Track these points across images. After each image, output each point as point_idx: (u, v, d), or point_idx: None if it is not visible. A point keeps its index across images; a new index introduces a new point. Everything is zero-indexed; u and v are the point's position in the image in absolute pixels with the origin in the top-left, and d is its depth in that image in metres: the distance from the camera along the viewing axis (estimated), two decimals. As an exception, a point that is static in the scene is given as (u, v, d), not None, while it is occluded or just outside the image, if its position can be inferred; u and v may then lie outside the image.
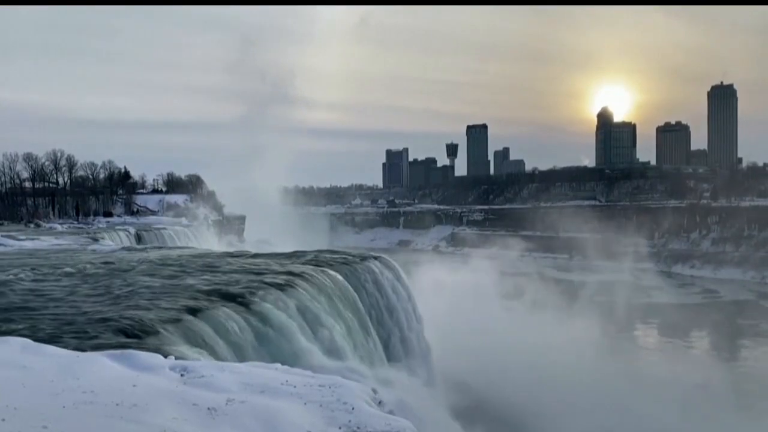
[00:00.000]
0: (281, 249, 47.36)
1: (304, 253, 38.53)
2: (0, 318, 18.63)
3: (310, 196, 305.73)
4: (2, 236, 54.55)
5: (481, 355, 50.80)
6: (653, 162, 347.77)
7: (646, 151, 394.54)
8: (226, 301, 21.97)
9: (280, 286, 25.45)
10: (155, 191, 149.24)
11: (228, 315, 20.38)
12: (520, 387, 46.84)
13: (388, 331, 33.91)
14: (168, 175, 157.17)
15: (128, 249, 49.56)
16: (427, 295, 55.71)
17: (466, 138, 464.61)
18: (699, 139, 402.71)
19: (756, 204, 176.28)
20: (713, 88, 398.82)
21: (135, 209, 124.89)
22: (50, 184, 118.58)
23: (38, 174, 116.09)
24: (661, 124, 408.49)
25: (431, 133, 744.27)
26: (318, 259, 34.52)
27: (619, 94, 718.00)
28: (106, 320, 18.38)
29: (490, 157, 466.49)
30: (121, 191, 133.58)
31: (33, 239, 55.35)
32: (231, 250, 55.25)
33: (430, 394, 32.76)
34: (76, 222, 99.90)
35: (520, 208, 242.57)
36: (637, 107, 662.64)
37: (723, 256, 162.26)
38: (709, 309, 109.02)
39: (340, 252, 39.46)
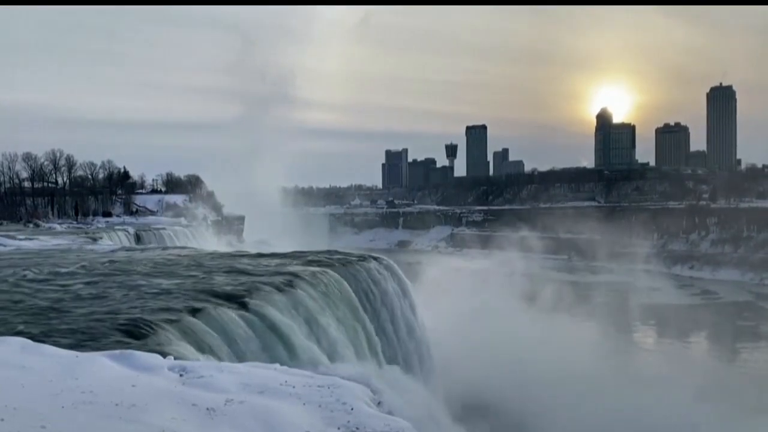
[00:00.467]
0: (280, 249, 47.31)
1: (303, 253, 38.52)
2: (-1, 318, 18.62)
3: (309, 196, 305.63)
4: (1, 236, 54.52)
5: (480, 355, 50.79)
6: (652, 163, 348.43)
7: (645, 152, 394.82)
8: (225, 301, 21.98)
9: (279, 287, 25.45)
10: (154, 191, 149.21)
11: (227, 315, 20.38)
12: (519, 385, 46.85)
13: (388, 332, 33.89)
14: (167, 175, 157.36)
15: (127, 249, 49.55)
16: (427, 295, 55.71)
17: (465, 138, 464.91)
18: (698, 141, 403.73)
19: (755, 205, 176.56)
20: (712, 89, 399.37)
21: (134, 209, 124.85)
22: (49, 184, 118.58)
23: (37, 174, 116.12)
24: (661, 125, 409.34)
25: (430, 133, 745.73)
26: (317, 260, 34.50)
27: (619, 95, 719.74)
28: (105, 320, 18.39)
29: (490, 158, 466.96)
30: (120, 191, 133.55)
31: (32, 239, 55.31)
32: (230, 250, 55.20)
33: (429, 394, 32.75)
34: (75, 222, 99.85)
35: (520, 209, 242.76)
36: (636, 108, 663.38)
37: (722, 257, 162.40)
38: (709, 310, 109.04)
39: (340, 252, 39.44)
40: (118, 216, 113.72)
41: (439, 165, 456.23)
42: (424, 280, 79.35)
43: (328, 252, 40.02)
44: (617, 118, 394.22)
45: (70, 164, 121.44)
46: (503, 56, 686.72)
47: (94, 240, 58.90)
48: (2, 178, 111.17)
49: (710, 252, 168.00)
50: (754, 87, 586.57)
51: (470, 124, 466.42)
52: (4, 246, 48.34)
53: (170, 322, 18.42)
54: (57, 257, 38.50)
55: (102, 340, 16.19)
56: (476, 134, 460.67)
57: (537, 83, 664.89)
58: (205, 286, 24.99)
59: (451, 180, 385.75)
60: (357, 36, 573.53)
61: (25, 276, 28.35)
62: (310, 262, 33.30)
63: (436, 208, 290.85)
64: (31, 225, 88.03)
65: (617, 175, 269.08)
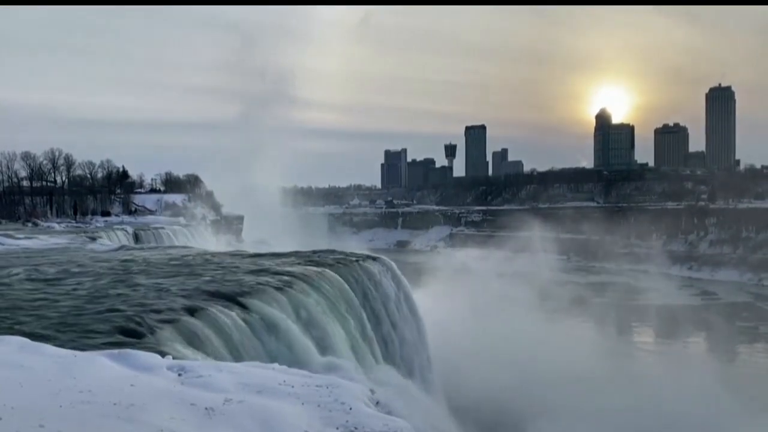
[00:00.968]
0: (279, 249, 47.31)
1: (302, 253, 38.51)
2: (-3, 317, 18.60)
3: (308, 196, 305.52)
4: (0, 235, 54.46)
5: (479, 355, 50.84)
6: (651, 163, 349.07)
7: (644, 153, 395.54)
8: (224, 300, 21.97)
9: (278, 286, 25.44)
10: (153, 191, 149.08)
11: (226, 315, 20.37)
12: (517, 385, 46.88)
13: (386, 332, 33.88)
14: (166, 174, 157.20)
15: (126, 248, 49.50)
16: (425, 295, 55.75)
17: (464, 139, 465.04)
18: (697, 141, 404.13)
19: (753, 206, 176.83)
20: (711, 90, 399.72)
21: (133, 209, 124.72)
22: (48, 183, 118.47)
23: (36, 173, 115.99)
24: (660, 125, 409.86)
25: (430, 133, 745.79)
26: (316, 260, 34.50)
27: (618, 96, 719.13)
28: (103, 320, 18.38)
29: (489, 158, 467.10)
30: (119, 190, 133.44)
31: (30, 238, 55.22)
32: (229, 249, 55.18)
33: (428, 394, 32.77)
34: (73, 221, 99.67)
35: (518, 209, 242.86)
36: (635, 109, 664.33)
37: (720, 257, 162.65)
38: (709, 311, 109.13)
39: (339, 252, 39.44)
40: (116, 215, 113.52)
41: (438, 165, 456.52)
42: (423, 280, 79.41)
43: (327, 252, 40.03)
44: (616, 119, 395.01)
45: (69, 163, 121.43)
46: (503, 56, 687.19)
47: (93, 239, 58.81)
48: (1, 177, 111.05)
49: (709, 252, 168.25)
50: (754, 88, 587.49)
51: (469, 124, 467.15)
52: (3, 245, 48.29)
53: (169, 321, 18.41)
54: (56, 256, 38.46)
55: (100, 339, 16.18)
56: (475, 134, 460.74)
57: (536, 83, 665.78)
58: (204, 285, 24.97)
59: (450, 180, 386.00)
60: (357, 36, 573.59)
61: (23, 275, 28.32)
62: (309, 262, 33.29)
63: (435, 208, 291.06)
64: (29, 224, 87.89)
65: (616, 175, 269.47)
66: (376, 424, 9.22)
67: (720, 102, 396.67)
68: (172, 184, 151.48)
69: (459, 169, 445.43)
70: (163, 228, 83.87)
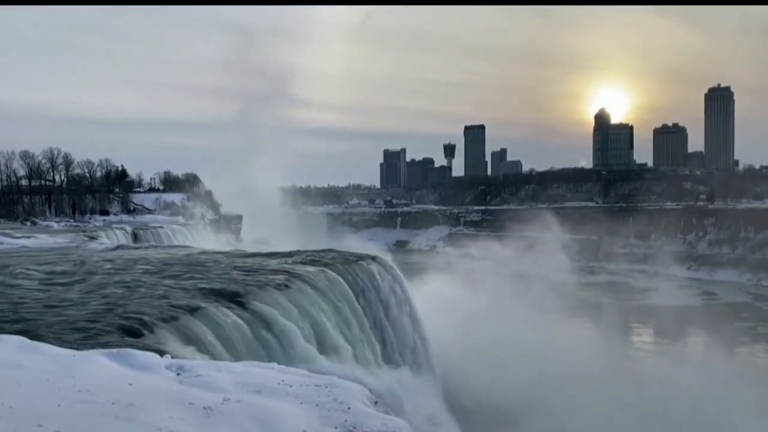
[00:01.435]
0: (278, 248, 47.29)
1: (301, 252, 38.51)
2: (-4, 316, 18.59)
3: (307, 195, 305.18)
4: (-2, 234, 54.45)
5: (478, 355, 50.81)
6: (650, 164, 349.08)
7: (643, 153, 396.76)
8: (223, 300, 21.97)
9: (277, 286, 25.46)
10: (152, 190, 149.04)
11: (224, 314, 20.37)
12: (515, 385, 46.88)
13: (385, 331, 33.91)
14: (165, 173, 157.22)
15: (125, 247, 49.49)
16: (423, 295, 55.70)
17: (463, 138, 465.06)
18: (696, 142, 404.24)
19: (752, 206, 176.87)
20: (710, 90, 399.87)
21: (132, 208, 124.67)
22: (47, 182, 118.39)
23: (35, 172, 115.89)
24: (659, 126, 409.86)
25: (429, 133, 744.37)
26: (315, 259, 34.50)
27: (617, 96, 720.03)
28: (102, 319, 18.36)
29: (488, 158, 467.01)
30: (117, 190, 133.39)
31: (29, 237, 55.20)
32: (228, 249, 55.14)
33: (428, 393, 32.76)
34: (72, 220, 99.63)
35: (517, 209, 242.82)
36: (634, 109, 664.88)
37: (719, 257, 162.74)
38: (708, 311, 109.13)
39: (338, 252, 39.45)
40: (115, 214, 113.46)
41: (437, 165, 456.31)
42: (422, 280, 79.40)
43: (326, 251, 40.03)
44: (615, 119, 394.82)
45: (68, 162, 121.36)
46: (502, 56, 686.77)
47: (92, 238, 58.78)
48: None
49: (708, 253, 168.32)
50: (753, 88, 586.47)
51: (468, 123, 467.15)
52: (2, 244, 48.29)
53: (167, 320, 18.41)
54: (54, 255, 38.44)
55: (99, 338, 16.18)
56: (474, 134, 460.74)
57: (535, 83, 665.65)
58: (203, 284, 24.97)
59: (449, 180, 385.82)
60: (357, 36, 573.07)
61: (22, 274, 28.30)
62: (307, 262, 33.30)
63: (434, 207, 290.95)
64: (28, 223, 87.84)
65: (615, 175, 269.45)
66: (375, 424, 9.22)
67: (719, 102, 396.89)
68: (170, 183, 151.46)
69: (458, 169, 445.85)
70: (161, 227, 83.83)
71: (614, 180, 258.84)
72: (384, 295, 35.15)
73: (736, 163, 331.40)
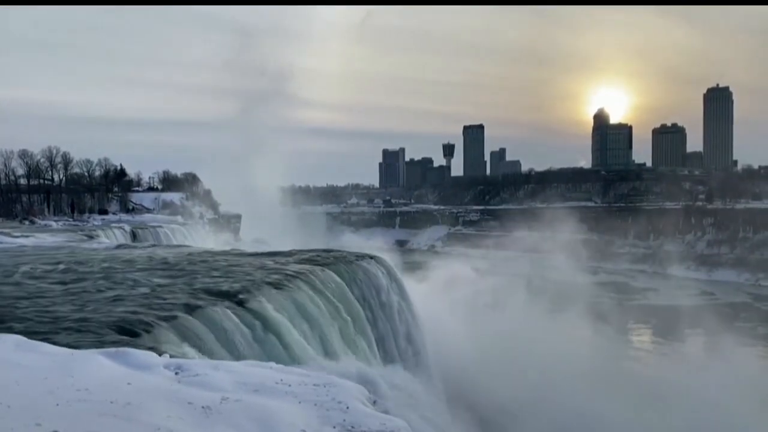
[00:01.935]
0: (277, 248, 47.28)
1: (300, 252, 38.47)
2: (-6, 315, 18.55)
3: (306, 195, 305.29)
4: (-3, 233, 54.33)
5: (477, 354, 50.82)
6: (649, 164, 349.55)
7: (642, 153, 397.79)
8: (221, 299, 21.92)
9: (275, 285, 25.42)
10: (151, 189, 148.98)
11: (223, 313, 20.33)
12: (513, 385, 46.91)
13: (384, 331, 33.89)
14: (164, 173, 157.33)
15: (123, 246, 49.39)
16: (423, 294, 55.71)
17: (462, 138, 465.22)
18: (695, 142, 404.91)
19: (751, 206, 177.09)
20: (709, 90, 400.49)
21: (130, 207, 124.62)
22: (45, 181, 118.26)
23: (33, 171, 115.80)
24: (658, 126, 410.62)
25: (428, 133, 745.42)
26: (314, 258, 34.47)
27: (616, 96, 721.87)
28: (100, 318, 18.33)
29: (487, 158, 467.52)
30: (116, 189, 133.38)
31: (27, 236, 55.10)
32: (227, 248, 55.11)
33: (426, 392, 32.75)
34: (71, 219, 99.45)
35: (516, 209, 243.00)
36: (633, 109, 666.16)
37: (718, 258, 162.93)
38: (707, 311, 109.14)
39: (337, 251, 39.42)
40: (114, 214, 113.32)
41: (436, 164, 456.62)
42: (421, 280, 79.41)
43: (325, 251, 40.00)
44: (614, 119, 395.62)
45: (67, 161, 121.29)
46: (502, 56, 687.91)
47: (91, 237, 58.71)
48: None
49: (706, 253, 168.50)
50: (751, 88, 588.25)
51: (468, 123, 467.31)
52: (0, 243, 48.18)
53: (166, 319, 18.37)
54: (53, 254, 38.38)
55: (97, 337, 16.14)
56: (473, 134, 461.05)
57: (535, 83, 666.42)
58: (202, 284, 24.94)
59: (448, 179, 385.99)
60: (357, 36, 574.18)
61: (20, 273, 28.25)
62: (306, 261, 33.27)
63: (433, 207, 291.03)
64: (26, 222, 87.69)
65: (614, 175, 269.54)
66: (374, 423, 9.20)
67: (718, 103, 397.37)
68: (169, 182, 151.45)
69: (457, 169, 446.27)
70: (160, 227, 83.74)
71: (613, 180, 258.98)
72: (383, 295, 35.14)
73: (735, 163, 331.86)
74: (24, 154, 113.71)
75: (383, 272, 36.95)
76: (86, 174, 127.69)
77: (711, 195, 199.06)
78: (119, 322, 17.69)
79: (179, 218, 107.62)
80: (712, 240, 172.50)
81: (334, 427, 8.94)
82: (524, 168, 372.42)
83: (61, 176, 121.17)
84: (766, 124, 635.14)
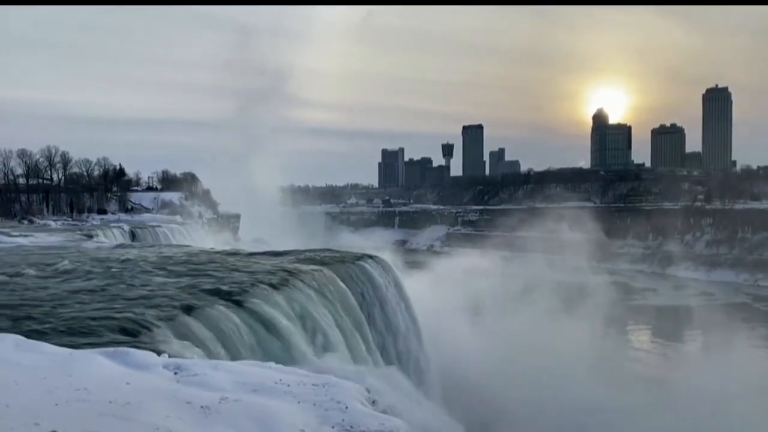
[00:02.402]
0: (277, 247, 47.27)
1: (299, 251, 38.47)
2: (-7, 315, 18.53)
3: (306, 195, 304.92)
4: (-4, 233, 54.29)
5: (475, 354, 50.82)
6: (648, 164, 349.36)
7: (641, 153, 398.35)
8: (221, 299, 21.92)
9: (274, 285, 25.41)
10: (150, 189, 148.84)
11: (222, 313, 20.33)
12: (512, 385, 46.92)
13: (383, 331, 33.89)
14: (163, 172, 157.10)
15: (122, 246, 49.35)
16: (422, 293, 55.66)
17: (462, 138, 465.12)
18: (694, 142, 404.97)
19: (750, 207, 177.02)
20: (708, 91, 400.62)
21: (129, 207, 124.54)
22: (44, 181, 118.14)
23: (32, 170, 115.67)
24: (657, 126, 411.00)
25: (427, 133, 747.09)
26: (313, 258, 34.49)
27: (615, 97, 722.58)
28: (99, 318, 18.32)
29: (486, 158, 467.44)
30: (115, 188, 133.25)
31: (26, 236, 55.07)
32: (226, 248, 55.09)
33: (425, 392, 32.76)
34: (70, 219, 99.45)
35: (515, 209, 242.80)
36: (632, 109, 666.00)
37: (717, 258, 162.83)
38: (707, 311, 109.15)
39: (336, 251, 39.44)
40: (113, 213, 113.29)
41: (435, 164, 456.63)
42: (420, 280, 79.37)
43: (324, 251, 40.01)
44: (613, 119, 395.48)
45: (65, 161, 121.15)
46: (502, 56, 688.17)
47: (90, 237, 58.67)
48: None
49: (705, 253, 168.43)
50: (750, 89, 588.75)
51: (467, 123, 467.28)
52: (-1, 243, 48.13)
53: (165, 319, 18.37)
54: (52, 254, 38.34)
55: (96, 337, 16.14)
56: (473, 134, 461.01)
57: (534, 84, 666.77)
58: (200, 283, 24.93)
59: (448, 179, 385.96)
60: (357, 36, 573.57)
61: (19, 273, 28.23)
62: (305, 261, 33.28)
63: (433, 207, 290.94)
64: (25, 222, 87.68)
65: (613, 175, 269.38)
66: (372, 423, 9.21)
67: (717, 103, 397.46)
68: (168, 182, 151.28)
69: (456, 169, 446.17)
70: (159, 226, 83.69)
71: (612, 180, 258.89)
72: (381, 294, 35.13)
73: (734, 163, 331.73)
74: (23, 154, 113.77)
75: (382, 272, 36.96)
76: (85, 174, 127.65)
77: (710, 195, 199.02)
78: (118, 322, 17.69)
79: (178, 218, 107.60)
80: (710, 240, 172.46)
81: (333, 427, 8.95)
82: (523, 168, 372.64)
83: (60, 176, 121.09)
84: (765, 124, 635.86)
